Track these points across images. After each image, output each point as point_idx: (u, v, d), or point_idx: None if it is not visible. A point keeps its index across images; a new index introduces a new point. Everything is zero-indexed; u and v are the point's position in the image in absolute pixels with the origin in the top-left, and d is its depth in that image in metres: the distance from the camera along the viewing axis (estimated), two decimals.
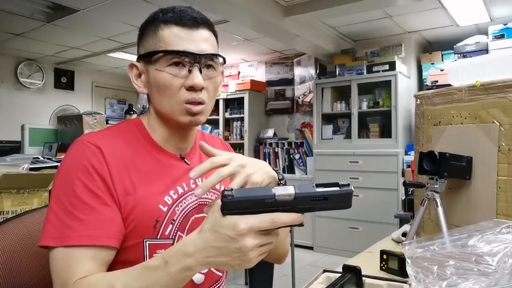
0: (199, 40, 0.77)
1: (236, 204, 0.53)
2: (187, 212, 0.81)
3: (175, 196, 0.79)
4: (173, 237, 0.77)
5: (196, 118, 0.79)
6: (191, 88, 0.76)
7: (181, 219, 0.79)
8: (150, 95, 0.82)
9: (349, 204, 0.55)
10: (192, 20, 0.77)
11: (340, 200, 0.54)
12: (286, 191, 0.53)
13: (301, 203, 0.54)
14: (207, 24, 0.80)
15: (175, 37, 0.76)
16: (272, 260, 0.95)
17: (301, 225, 0.55)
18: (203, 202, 0.84)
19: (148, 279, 0.59)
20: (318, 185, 0.54)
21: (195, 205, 0.82)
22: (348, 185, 0.54)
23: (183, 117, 0.78)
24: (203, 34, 0.78)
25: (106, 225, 0.69)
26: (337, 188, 0.54)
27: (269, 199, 0.53)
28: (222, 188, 0.54)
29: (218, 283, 0.86)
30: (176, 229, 0.78)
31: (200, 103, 0.78)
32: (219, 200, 0.54)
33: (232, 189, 0.53)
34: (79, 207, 0.69)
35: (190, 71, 0.76)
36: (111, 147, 0.75)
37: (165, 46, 0.76)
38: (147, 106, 0.89)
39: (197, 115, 0.78)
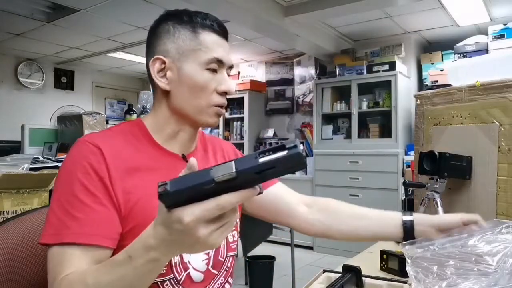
0: (228, 50, 0.84)
1: (174, 197, 0.49)
2: None
3: None
4: None
5: (219, 120, 0.86)
6: (224, 93, 0.82)
7: None
8: (174, 93, 0.81)
9: (303, 165, 0.50)
10: (224, 30, 0.84)
11: (290, 163, 0.48)
12: (226, 170, 0.48)
13: (247, 179, 0.49)
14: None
15: (215, 44, 0.81)
16: None
17: (260, 193, 0.51)
18: None
19: (115, 273, 0.60)
20: (261, 153, 0.48)
21: None
22: (295, 146, 0.48)
23: (211, 119, 0.83)
24: (228, 44, 0.86)
25: (101, 224, 0.70)
26: (284, 153, 0.48)
27: (209, 185, 0.48)
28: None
29: (215, 279, 0.85)
30: None
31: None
32: None
33: (166, 182, 0.48)
34: (76, 205, 0.70)
35: (224, 78, 0.82)
36: (111, 147, 0.76)
37: (206, 50, 0.80)
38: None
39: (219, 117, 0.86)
